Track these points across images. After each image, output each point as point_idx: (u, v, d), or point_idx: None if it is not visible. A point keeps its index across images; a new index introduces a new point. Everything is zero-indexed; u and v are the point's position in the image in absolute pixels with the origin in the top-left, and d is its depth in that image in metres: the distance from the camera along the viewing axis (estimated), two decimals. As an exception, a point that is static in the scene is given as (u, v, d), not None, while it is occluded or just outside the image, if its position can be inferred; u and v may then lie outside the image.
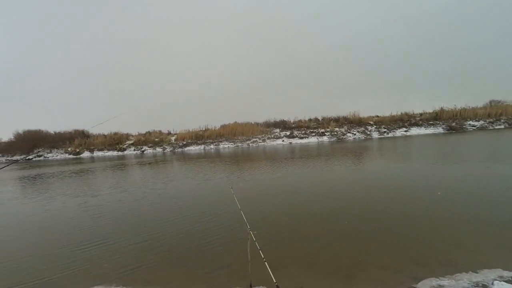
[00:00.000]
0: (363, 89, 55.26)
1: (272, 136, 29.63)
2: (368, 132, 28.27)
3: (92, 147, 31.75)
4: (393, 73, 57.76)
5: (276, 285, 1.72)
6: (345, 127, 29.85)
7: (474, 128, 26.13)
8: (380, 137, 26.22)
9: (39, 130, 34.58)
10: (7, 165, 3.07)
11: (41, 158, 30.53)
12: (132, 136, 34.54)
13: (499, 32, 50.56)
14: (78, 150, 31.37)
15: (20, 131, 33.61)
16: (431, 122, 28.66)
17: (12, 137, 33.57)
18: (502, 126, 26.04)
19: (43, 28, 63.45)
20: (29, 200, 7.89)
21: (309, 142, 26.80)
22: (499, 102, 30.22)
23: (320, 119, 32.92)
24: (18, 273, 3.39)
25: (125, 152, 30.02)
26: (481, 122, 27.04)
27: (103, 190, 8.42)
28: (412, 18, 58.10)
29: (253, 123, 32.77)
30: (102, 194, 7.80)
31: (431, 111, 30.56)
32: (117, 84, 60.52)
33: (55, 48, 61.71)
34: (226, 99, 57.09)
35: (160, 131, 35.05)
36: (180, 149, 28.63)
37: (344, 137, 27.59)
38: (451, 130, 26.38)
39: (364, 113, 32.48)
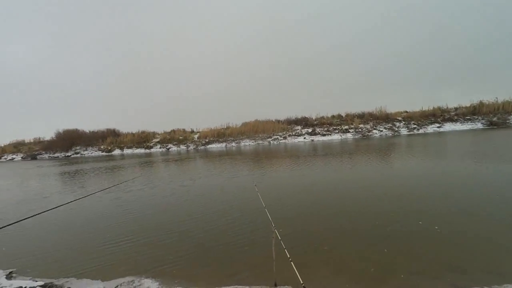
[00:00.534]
0: (363, 89, 53.29)
1: (294, 133, 29.24)
2: (396, 129, 26.75)
3: (122, 145, 33.88)
4: (394, 72, 54.25)
5: (303, 286, 1.64)
6: (371, 124, 28.52)
7: (519, 122, 23.59)
8: (409, 134, 24.66)
9: (76, 129, 37.64)
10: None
11: (78, 155, 33.17)
12: (158, 134, 36.21)
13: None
14: (109, 148, 33.65)
15: (60, 130, 36.87)
16: (468, 117, 26.36)
17: (54, 136, 36.89)
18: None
19: (79, 33, 68.90)
20: (65, 195, 8.60)
21: (331, 139, 26.05)
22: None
23: (344, 116, 31.80)
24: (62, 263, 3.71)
25: (152, 150, 31.58)
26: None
27: (135, 186, 8.91)
28: (413, 12, 54.52)
29: (274, 120, 32.63)
30: (134, 190, 8.27)
31: (468, 105, 28.10)
32: (145, 85, 63.86)
33: (94, 53, 66.82)
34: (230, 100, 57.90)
35: (183, 129, 36.29)
36: (203, 147, 29.41)
37: (370, 134, 26.38)
38: (492, 125, 24.05)
39: (391, 108, 30.77)
